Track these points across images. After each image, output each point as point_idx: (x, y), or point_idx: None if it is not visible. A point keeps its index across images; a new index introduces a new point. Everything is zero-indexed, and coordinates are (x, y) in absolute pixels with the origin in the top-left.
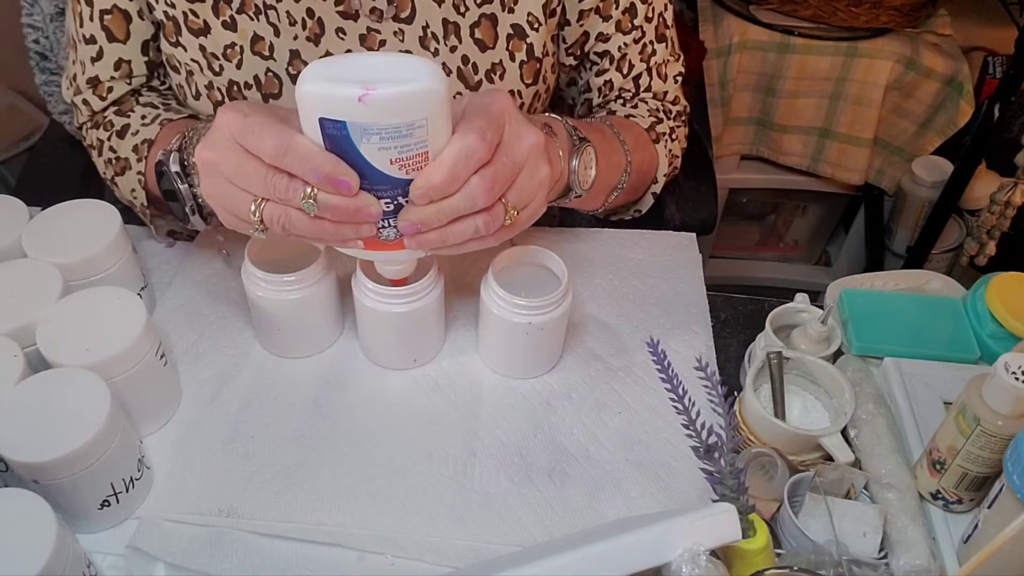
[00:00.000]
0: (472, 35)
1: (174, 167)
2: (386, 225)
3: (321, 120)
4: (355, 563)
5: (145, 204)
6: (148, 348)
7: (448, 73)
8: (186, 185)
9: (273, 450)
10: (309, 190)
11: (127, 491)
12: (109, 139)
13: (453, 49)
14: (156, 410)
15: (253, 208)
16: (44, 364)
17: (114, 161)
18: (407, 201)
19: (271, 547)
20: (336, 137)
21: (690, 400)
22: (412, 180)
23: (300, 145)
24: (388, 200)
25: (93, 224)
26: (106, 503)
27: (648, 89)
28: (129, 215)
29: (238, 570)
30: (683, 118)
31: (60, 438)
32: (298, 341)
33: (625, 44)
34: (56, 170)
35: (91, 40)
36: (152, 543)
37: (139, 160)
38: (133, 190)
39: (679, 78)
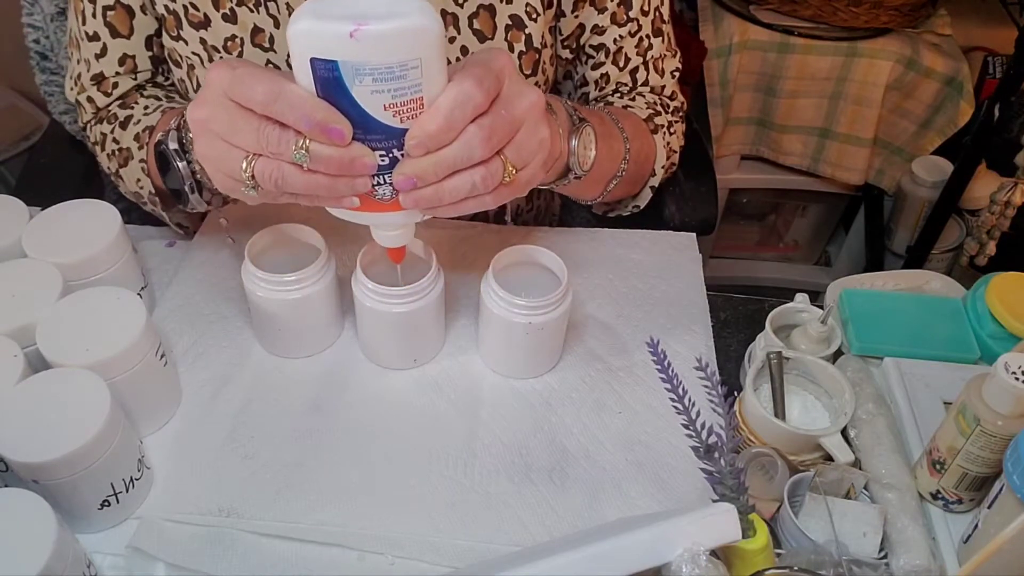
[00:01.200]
0: (471, 26)
1: (172, 145)
2: (381, 182)
3: (312, 61)
4: (355, 563)
5: (153, 192)
6: (148, 348)
7: (448, 64)
8: (184, 163)
9: (273, 450)
10: (301, 141)
11: (127, 491)
12: (112, 131)
13: (452, 40)
14: (156, 410)
15: (245, 165)
16: (44, 364)
17: (117, 153)
18: (403, 155)
19: (271, 547)
20: (328, 80)
21: (690, 400)
22: (407, 130)
23: (291, 92)
24: (383, 153)
25: (93, 224)
26: (106, 503)
27: (645, 83)
28: (129, 215)
29: (238, 570)
30: (681, 114)
31: (60, 438)
32: (298, 341)
33: (620, 37)
34: (56, 170)
35: (95, 37)
36: (152, 543)
37: (140, 148)
38: (139, 180)
39: (676, 74)
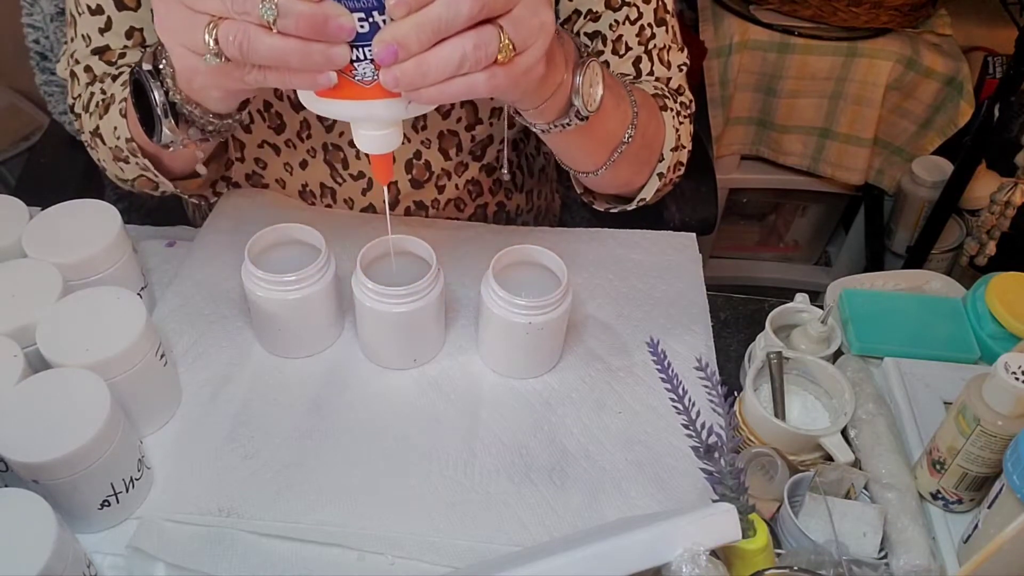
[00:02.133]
0: None
1: (146, 66)
2: (361, 57)
3: None
4: (355, 563)
5: (129, 138)
6: (148, 348)
7: None
8: (158, 83)
9: (273, 450)
10: None
11: (127, 491)
12: (103, 86)
13: None
14: (156, 410)
15: (207, 34)
16: (44, 364)
17: (100, 104)
18: (385, 23)
19: (271, 547)
20: None
21: (690, 400)
22: None
23: None
24: (363, 17)
25: (93, 224)
26: (106, 503)
27: (651, 74)
28: (129, 215)
29: (238, 570)
30: (689, 112)
31: (60, 438)
32: (298, 341)
33: (617, 22)
34: (56, 170)
35: (97, 11)
36: (152, 543)
37: (124, 89)
38: (115, 128)
39: (683, 68)
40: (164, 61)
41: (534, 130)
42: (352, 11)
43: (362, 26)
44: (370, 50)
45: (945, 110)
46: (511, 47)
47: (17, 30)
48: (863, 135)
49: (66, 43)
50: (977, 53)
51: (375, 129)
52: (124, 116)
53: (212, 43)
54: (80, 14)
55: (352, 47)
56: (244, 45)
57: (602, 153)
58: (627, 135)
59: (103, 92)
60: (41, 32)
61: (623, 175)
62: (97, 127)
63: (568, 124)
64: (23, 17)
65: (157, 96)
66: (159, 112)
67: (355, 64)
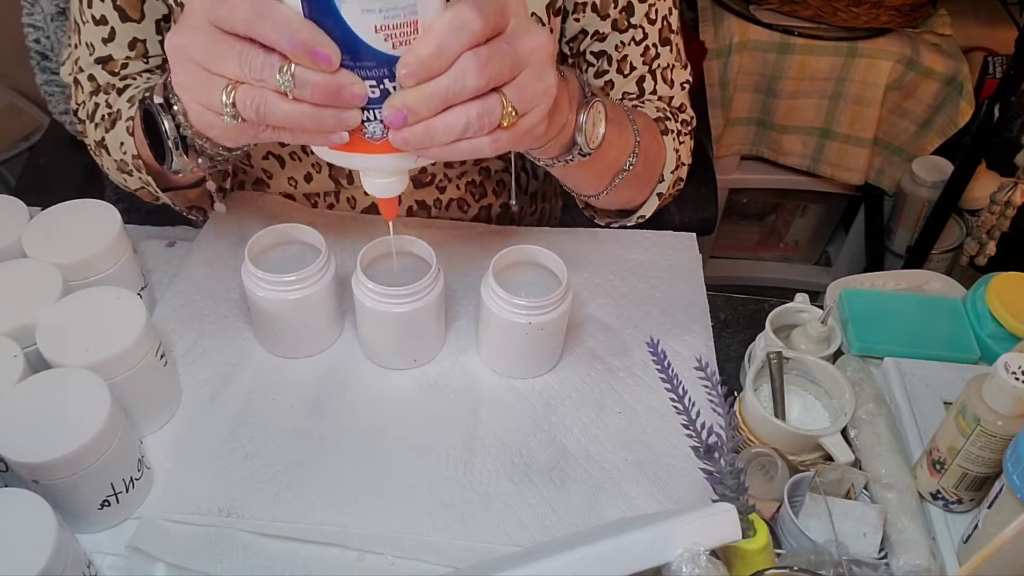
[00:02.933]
0: None
1: (157, 99)
2: (371, 118)
3: None
4: (355, 563)
5: (136, 155)
6: (148, 348)
7: None
8: (169, 117)
9: (273, 450)
10: (286, 66)
11: (127, 491)
12: (108, 99)
13: None
14: (156, 410)
15: (225, 95)
16: (44, 364)
17: (106, 117)
18: (396, 89)
19: (271, 547)
20: None
21: (690, 400)
22: (400, 58)
23: (276, 10)
24: (374, 83)
25: (93, 224)
26: (106, 503)
27: (653, 92)
28: (129, 215)
29: (238, 570)
30: (690, 128)
31: (60, 438)
32: (298, 341)
33: (623, 43)
34: (56, 170)
35: (101, 21)
36: (152, 543)
37: (131, 107)
38: (121, 144)
39: (686, 86)
40: (176, 96)
41: (537, 163)
42: (364, 79)
43: (373, 91)
44: (380, 111)
45: (945, 110)
46: (514, 113)
47: (17, 30)
48: (863, 135)
49: (70, 47)
50: (977, 53)
51: (383, 178)
52: (131, 134)
53: (230, 105)
54: (84, 23)
55: (363, 109)
56: (261, 109)
57: (604, 180)
58: (628, 163)
59: (108, 106)
60: (41, 32)
61: (624, 196)
62: (103, 139)
63: (571, 159)
64: (23, 17)
65: (168, 128)
66: (170, 144)
67: (365, 124)
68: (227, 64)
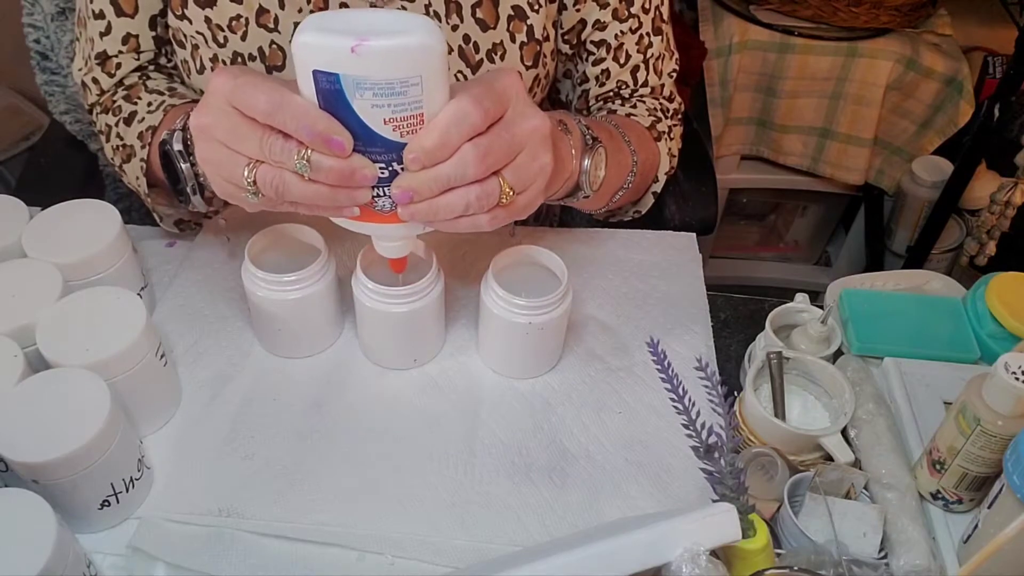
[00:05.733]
0: (473, 15)
1: (177, 146)
2: (381, 194)
3: (315, 73)
4: (355, 563)
5: (147, 193)
6: (148, 348)
7: (449, 52)
8: (188, 164)
9: (273, 450)
10: (303, 152)
11: (127, 491)
12: (117, 125)
13: (455, 28)
14: (156, 410)
15: (247, 172)
16: (44, 364)
17: (121, 148)
18: (403, 169)
19: (271, 547)
20: (329, 92)
21: (690, 400)
22: (407, 144)
23: (294, 102)
24: (383, 166)
25: (93, 224)
26: (106, 503)
27: (645, 84)
28: (129, 215)
29: (238, 570)
30: (679, 116)
31: (60, 438)
32: (298, 341)
33: (622, 32)
34: (56, 170)
35: (100, 15)
36: (152, 543)
37: (143, 147)
38: (138, 177)
39: (673, 74)
40: (192, 141)
41: None
42: (374, 161)
43: (383, 172)
44: (389, 188)
45: (945, 110)
46: (512, 192)
47: (17, 30)
48: (863, 135)
49: (77, 39)
50: (977, 53)
51: (392, 242)
52: (144, 174)
53: (251, 183)
54: (89, 18)
55: (373, 187)
56: (280, 188)
57: (603, 201)
58: (627, 182)
59: (120, 137)
60: (41, 32)
61: (620, 204)
62: (121, 165)
63: (574, 200)
64: (23, 17)
65: (187, 175)
66: (189, 189)
67: (376, 199)
68: (249, 145)
